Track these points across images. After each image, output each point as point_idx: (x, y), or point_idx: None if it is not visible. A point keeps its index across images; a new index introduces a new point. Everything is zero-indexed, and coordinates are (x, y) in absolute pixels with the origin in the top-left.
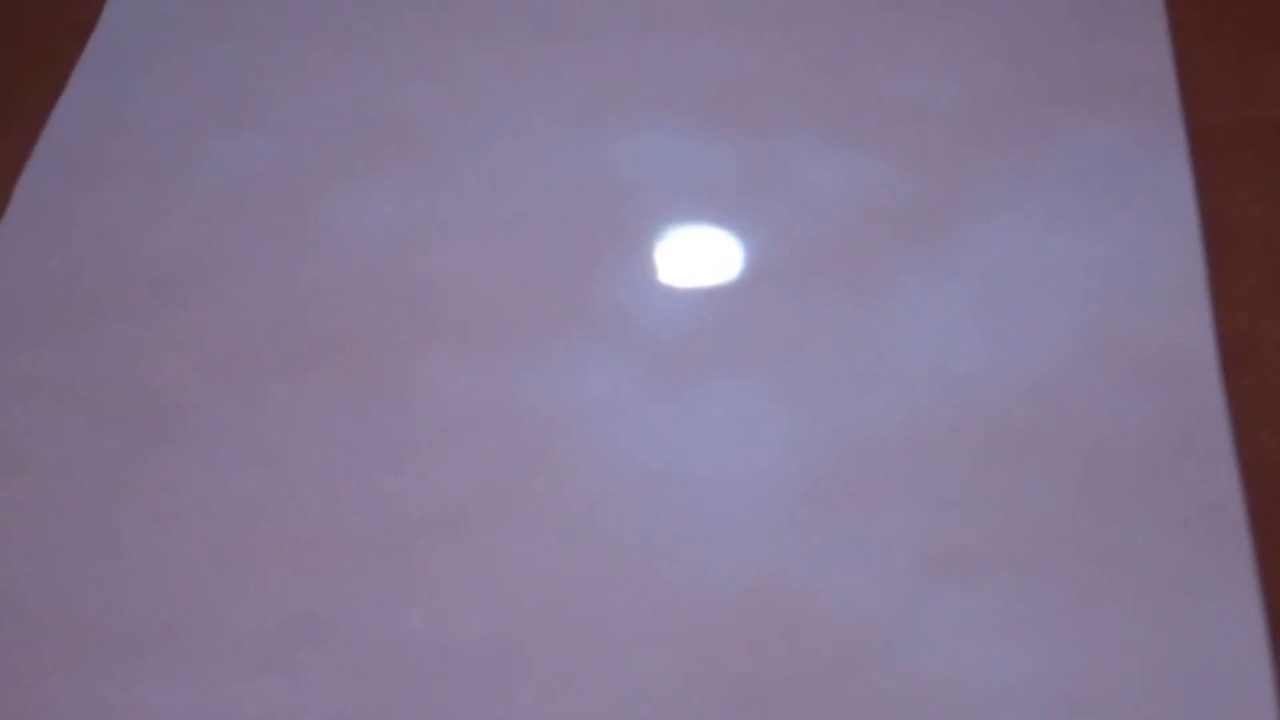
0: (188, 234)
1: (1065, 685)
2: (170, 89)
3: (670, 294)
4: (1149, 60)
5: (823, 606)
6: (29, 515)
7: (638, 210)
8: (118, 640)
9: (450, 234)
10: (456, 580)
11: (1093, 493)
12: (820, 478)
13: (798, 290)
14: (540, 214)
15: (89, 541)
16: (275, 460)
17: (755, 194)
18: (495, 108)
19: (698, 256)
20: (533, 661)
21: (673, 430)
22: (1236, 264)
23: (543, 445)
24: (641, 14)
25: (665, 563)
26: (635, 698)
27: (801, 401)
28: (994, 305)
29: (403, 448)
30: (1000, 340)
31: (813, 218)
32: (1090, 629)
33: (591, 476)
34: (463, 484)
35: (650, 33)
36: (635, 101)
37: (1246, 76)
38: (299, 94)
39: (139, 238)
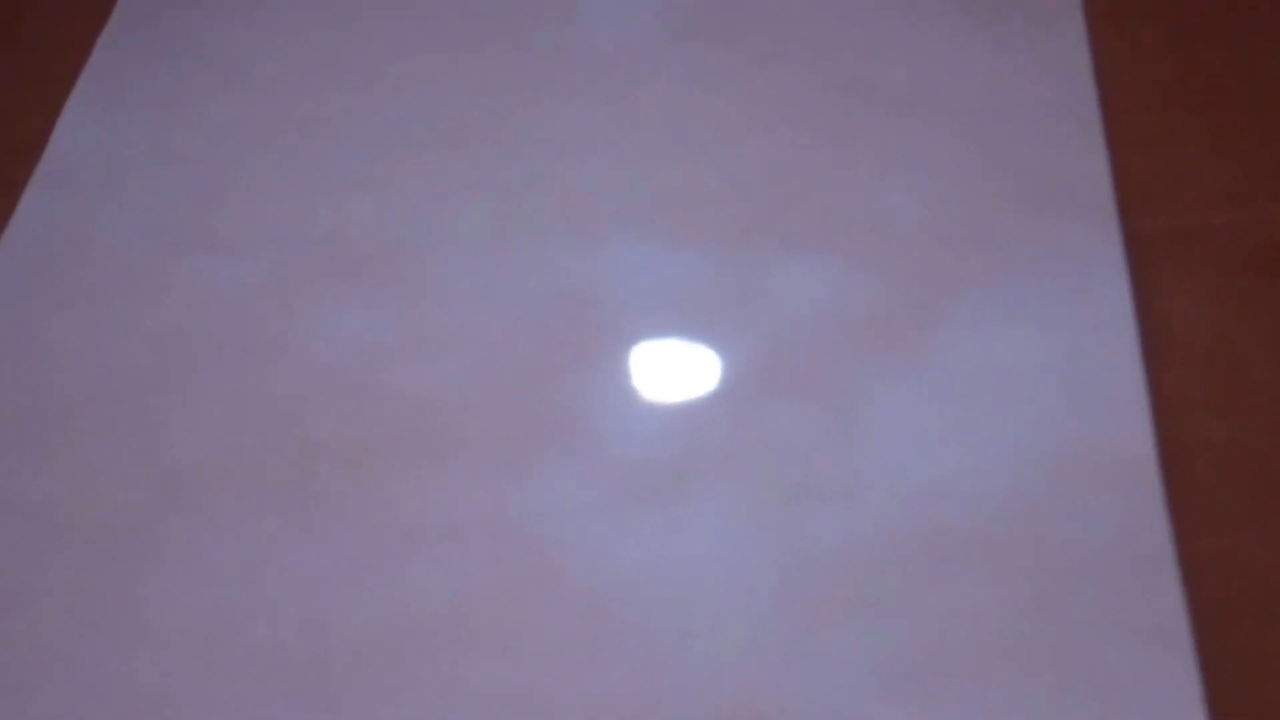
0: (146, 353)
1: None
2: (122, 210)
3: (640, 408)
4: (1087, 168)
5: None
6: None
7: (607, 323)
8: None
9: (415, 349)
10: (426, 700)
11: (1042, 603)
12: (786, 588)
13: (766, 403)
14: (508, 328)
15: (43, 664)
16: (237, 581)
17: (725, 305)
18: (460, 221)
19: (668, 370)
20: None
21: (641, 548)
22: (1175, 368)
23: (510, 562)
24: (609, 126)
25: (631, 677)
26: None
27: (766, 515)
28: (951, 415)
29: (366, 567)
30: (959, 449)
31: (781, 328)
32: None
33: (558, 593)
34: (428, 602)
35: (618, 145)
36: (603, 214)
37: (1181, 183)
38: (254, 213)
39: (95, 357)
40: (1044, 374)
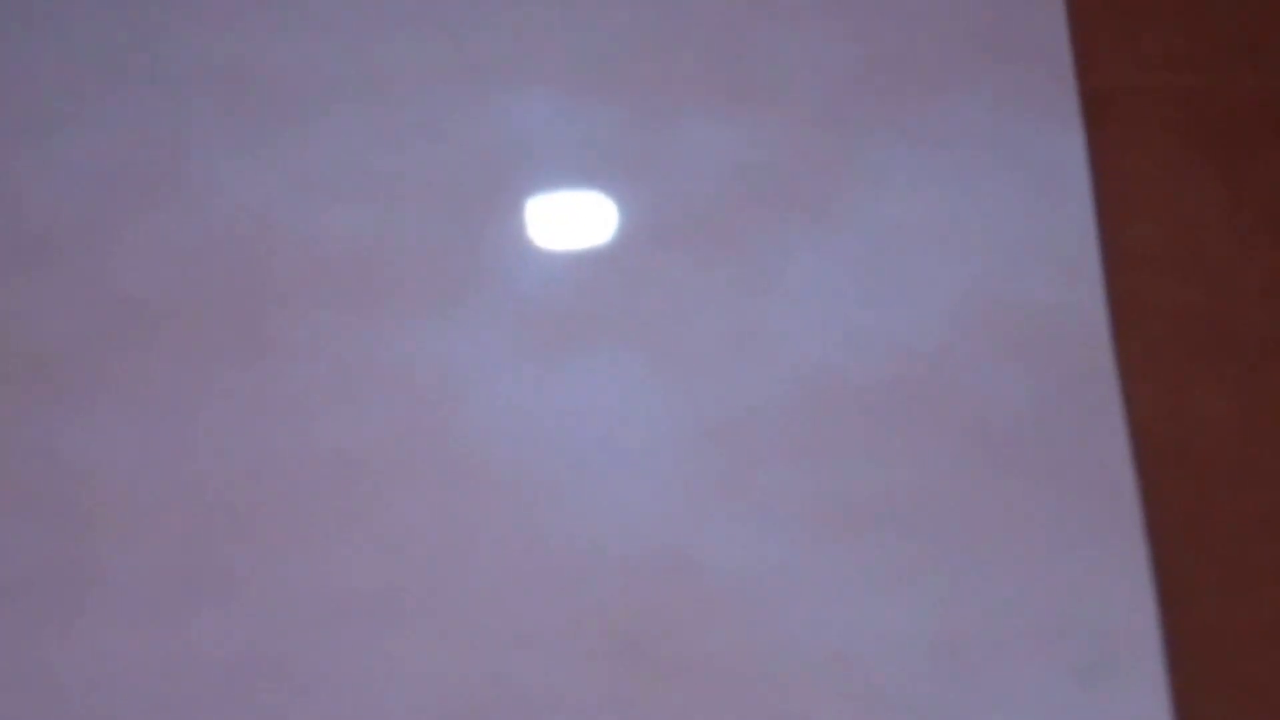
0: (66, 193)
1: (950, 640)
2: (47, 45)
3: (554, 257)
4: (1043, 24)
5: (706, 562)
6: None
7: (524, 172)
8: (9, 585)
9: (332, 193)
10: (343, 535)
11: (979, 452)
12: (705, 439)
13: (683, 254)
14: (424, 174)
15: None
16: (163, 415)
17: (642, 157)
18: (380, 66)
19: (583, 220)
20: (419, 614)
21: (555, 394)
22: (1128, 225)
23: (425, 406)
24: None
25: (550, 521)
26: (518, 650)
27: (686, 365)
28: (881, 269)
29: (286, 405)
30: (887, 304)
31: (699, 181)
32: (976, 585)
33: (475, 440)
34: (345, 442)
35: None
36: (522, 63)
37: (1139, 42)
38: (182, 50)
39: (13, 197)
40: (989, 230)
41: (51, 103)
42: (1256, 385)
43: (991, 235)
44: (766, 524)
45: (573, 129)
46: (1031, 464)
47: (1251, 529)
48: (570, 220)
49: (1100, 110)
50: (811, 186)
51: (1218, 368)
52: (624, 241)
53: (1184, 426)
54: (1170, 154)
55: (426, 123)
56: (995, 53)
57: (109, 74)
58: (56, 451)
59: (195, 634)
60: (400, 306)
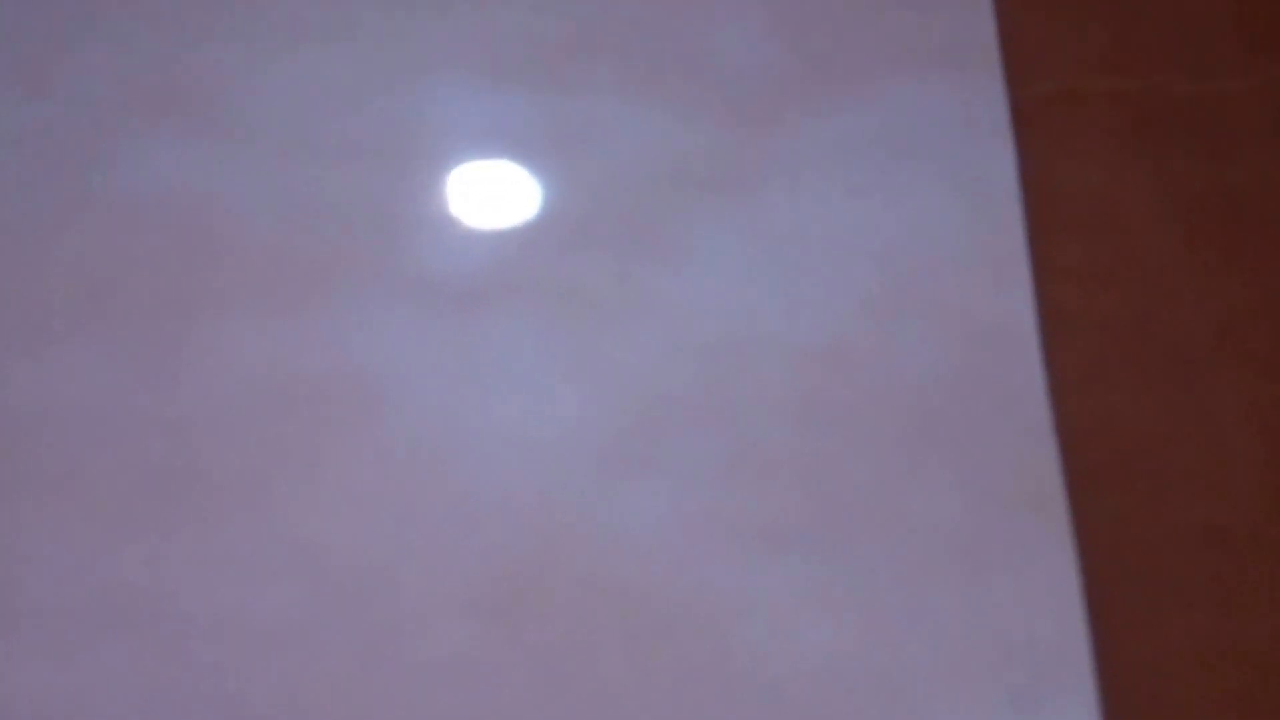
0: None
1: (876, 664)
2: None
3: (469, 234)
4: (973, 28)
5: (623, 574)
6: None
7: (441, 152)
8: None
9: (244, 183)
10: (257, 550)
11: (902, 466)
12: (617, 436)
13: (585, 234)
14: (335, 155)
15: None
16: (69, 424)
17: (559, 149)
18: (296, 56)
19: (497, 210)
20: (334, 629)
21: (466, 387)
22: (1057, 233)
23: (337, 402)
24: None
25: (464, 495)
26: (435, 664)
27: (598, 359)
28: (794, 268)
29: (194, 408)
30: (798, 305)
31: (615, 173)
32: (901, 606)
33: (385, 435)
34: (256, 446)
35: None
36: (440, 55)
37: (1069, 46)
38: (87, 55)
39: None
40: (919, 231)
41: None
42: (1188, 396)
43: (917, 239)
44: (676, 533)
45: (489, 121)
46: (959, 479)
47: (1184, 543)
48: (486, 199)
49: (1030, 115)
50: (727, 174)
51: (1149, 378)
52: (539, 221)
53: (1116, 440)
54: (1100, 160)
55: (341, 113)
56: (924, 55)
57: (8, 82)
58: None
59: (107, 659)
60: (311, 299)
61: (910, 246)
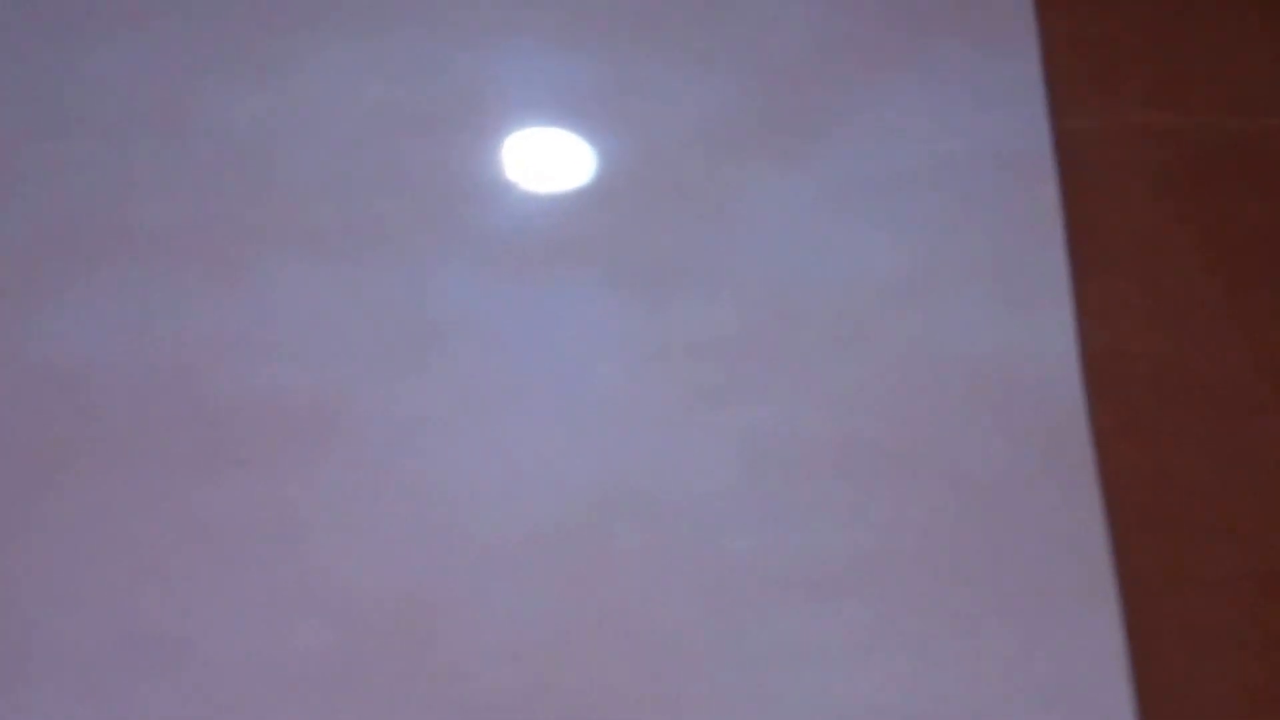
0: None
1: (917, 706)
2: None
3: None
4: (1018, 66)
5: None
6: None
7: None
8: None
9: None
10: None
11: (946, 512)
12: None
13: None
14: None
15: None
16: (98, 449)
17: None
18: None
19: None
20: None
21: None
22: (1102, 274)
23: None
24: None
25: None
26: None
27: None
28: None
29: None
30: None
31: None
32: (944, 651)
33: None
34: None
35: None
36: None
37: (1114, 83)
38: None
39: None
40: (962, 275)
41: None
42: (1233, 440)
43: (960, 285)
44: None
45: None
46: (1002, 524)
47: (1230, 591)
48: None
49: (1074, 154)
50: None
51: (1194, 422)
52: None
53: (1159, 484)
54: (1146, 199)
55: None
56: (970, 95)
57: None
58: None
59: (138, 702)
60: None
61: (953, 294)
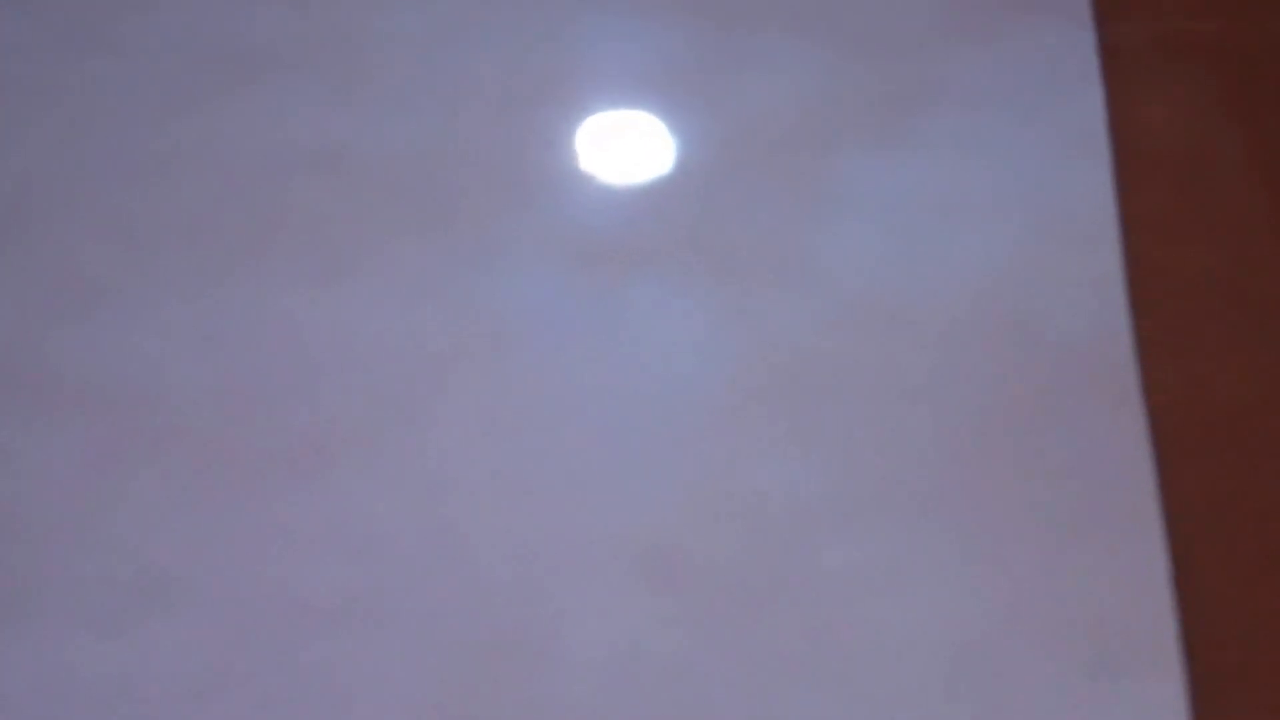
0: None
1: (961, 637)
2: (26, 14)
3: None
4: None
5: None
6: None
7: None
8: None
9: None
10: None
11: (988, 435)
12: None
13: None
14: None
15: None
16: (147, 389)
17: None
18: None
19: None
20: (391, 607)
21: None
22: (1147, 185)
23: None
24: None
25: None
26: (550, 575)
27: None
28: (907, 236)
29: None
30: (914, 265)
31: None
32: (986, 578)
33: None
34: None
35: None
36: None
37: None
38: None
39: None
40: (1011, 193)
41: (36, 65)
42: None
43: (1004, 200)
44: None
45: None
46: (1043, 446)
47: (1275, 511)
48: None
49: (1119, 62)
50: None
51: (1241, 340)
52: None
53: (1204, 405)
54: (1192, 108)
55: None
56: (1015, 6)
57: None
58: (16, 443)
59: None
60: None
61: (992, 197)
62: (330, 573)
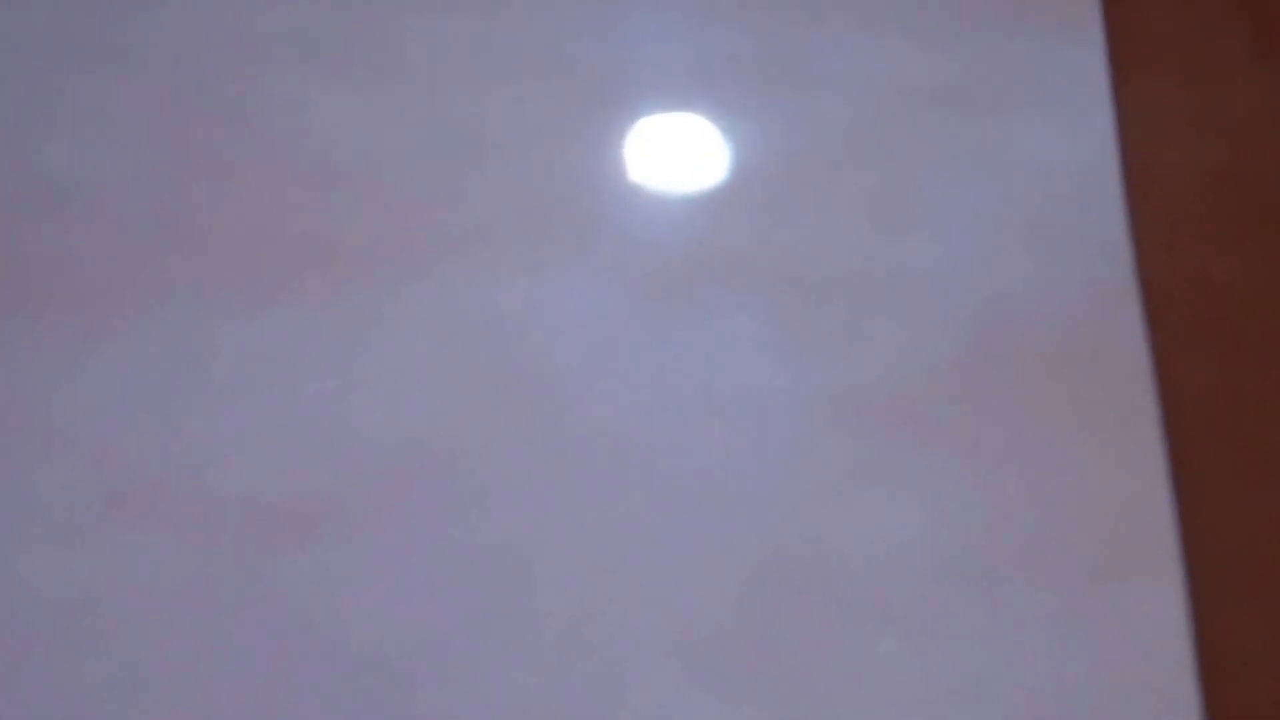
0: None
1: (958, 544)
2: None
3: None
4: None
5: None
6: None
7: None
8: None
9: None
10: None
11: (983, 337)
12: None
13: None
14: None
15: None
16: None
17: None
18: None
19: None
20: (373, 513)
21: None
22: (1141, 78)
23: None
24: None
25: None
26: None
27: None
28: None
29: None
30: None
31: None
32: (983, 482)
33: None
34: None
35: None
36: None
37: None
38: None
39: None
40: (1005, 79)
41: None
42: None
43: (997, 91)
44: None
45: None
46: (1034, 342)
47: (1275, 408)
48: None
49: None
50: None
51: (1238, 233)
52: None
53: (1202, 298)
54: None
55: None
56: None
57: None
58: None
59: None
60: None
61: (986, 88)
62: (306, 479)
